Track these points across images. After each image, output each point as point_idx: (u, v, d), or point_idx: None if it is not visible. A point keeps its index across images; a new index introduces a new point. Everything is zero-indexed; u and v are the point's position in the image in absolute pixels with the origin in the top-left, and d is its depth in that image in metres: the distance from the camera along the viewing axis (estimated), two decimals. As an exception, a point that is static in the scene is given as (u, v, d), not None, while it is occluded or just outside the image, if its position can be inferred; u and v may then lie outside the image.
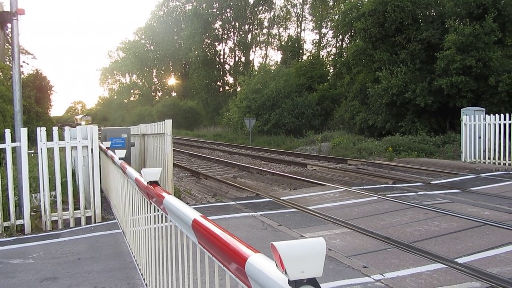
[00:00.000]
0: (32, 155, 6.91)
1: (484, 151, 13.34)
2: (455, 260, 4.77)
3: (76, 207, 7.00)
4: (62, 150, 7.02)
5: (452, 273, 4.42)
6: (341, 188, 9.41)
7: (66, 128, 7.06)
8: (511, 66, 19.30)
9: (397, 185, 9.87)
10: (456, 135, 17.34)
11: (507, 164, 12.69)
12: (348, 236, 5.85)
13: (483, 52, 19.47)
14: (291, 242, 1.07)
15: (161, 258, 3.00)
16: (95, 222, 6.94)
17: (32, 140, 7.14)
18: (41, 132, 6.60)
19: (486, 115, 13.59)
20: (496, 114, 13.20)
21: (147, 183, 3.09)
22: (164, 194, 2.63)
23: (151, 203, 3.13)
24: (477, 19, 20.17)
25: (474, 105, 17.36)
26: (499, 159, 12.97)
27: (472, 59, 19.24)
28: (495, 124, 13.07)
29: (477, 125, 13.42)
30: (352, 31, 28.04)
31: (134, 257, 4.67)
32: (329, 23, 44.52)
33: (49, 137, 6.76)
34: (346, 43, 38.64)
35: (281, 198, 8.56)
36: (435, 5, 23.52)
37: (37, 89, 28.81)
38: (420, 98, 20.77)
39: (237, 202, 8.32)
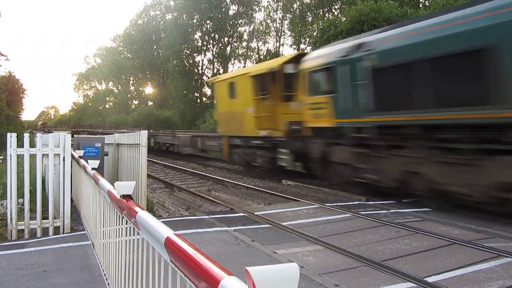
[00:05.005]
0: (1, 161, 6.72)
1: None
2: (424, 279, 4.84)
3: (45, 216, 6.81)
4: (33, 157, 6.84)
5: (421, 293, 4.48)
6: (315, 205, 9.45)
7: (38, 134, 6.89)
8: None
9: (369, 202, 9.98)
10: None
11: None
12: (321, 254, 5.87)
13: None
14: (264, 267, 1.07)
15: (131, 272, 2.93)
16: (63, 233, 6.76)
17: (2, 144, 6.94)
18: (11, 138, 6.42)
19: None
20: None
21: (120, 196, 3.03)
22: (137, 209, 2.58)
23: (123, 216, 3.07)
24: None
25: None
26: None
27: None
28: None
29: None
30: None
31: (103, 270, 4.56)
32: (307, 39, 45.19)
33: (20, 142, 6.57)
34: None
35: (255, 213, 8.54)
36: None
37: (9, 92, 28.20)
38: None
39: (211, 216, 8.25)
